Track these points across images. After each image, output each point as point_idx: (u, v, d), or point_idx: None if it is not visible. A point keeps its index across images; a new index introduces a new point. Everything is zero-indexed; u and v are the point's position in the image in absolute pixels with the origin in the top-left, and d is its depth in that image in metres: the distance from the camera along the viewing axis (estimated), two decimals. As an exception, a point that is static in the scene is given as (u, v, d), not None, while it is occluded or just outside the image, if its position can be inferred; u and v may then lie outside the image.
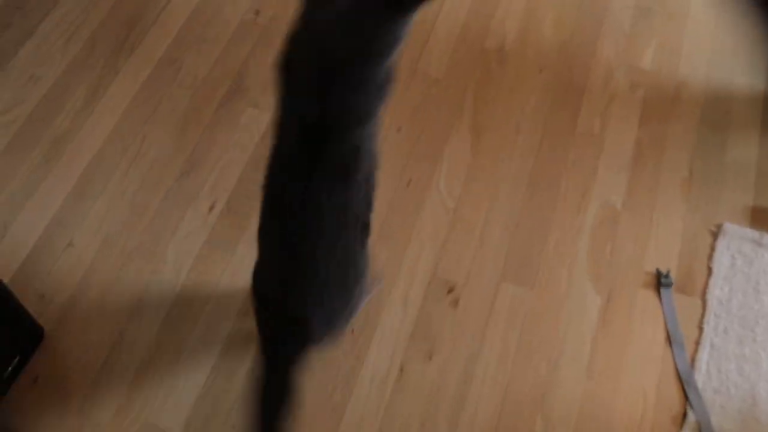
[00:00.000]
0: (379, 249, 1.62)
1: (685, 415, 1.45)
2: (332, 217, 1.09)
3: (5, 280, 1.54)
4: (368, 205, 1.18)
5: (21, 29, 1.96)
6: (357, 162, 1.09)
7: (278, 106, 1.08)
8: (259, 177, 1.70)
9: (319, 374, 1.49)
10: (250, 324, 1.54)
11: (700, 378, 1.49)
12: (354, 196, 1.11)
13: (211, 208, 1.68)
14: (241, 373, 1.50)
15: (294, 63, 1.07)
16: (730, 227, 1.65)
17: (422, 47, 1.94)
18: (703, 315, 1.56)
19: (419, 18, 1.98)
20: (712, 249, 1.64)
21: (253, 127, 1.80)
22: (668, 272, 1.60)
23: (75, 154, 1.76)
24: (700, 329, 1.55)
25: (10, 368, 1.43)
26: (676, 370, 1.50)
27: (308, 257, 1.09)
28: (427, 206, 1.69)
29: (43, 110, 1.83)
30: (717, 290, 1.59)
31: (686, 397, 1.47)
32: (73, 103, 1.84)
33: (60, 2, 2.02)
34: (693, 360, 1.51)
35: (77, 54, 1.92)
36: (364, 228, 1.18)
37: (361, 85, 1.04)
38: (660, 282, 1.59)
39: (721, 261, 1.62)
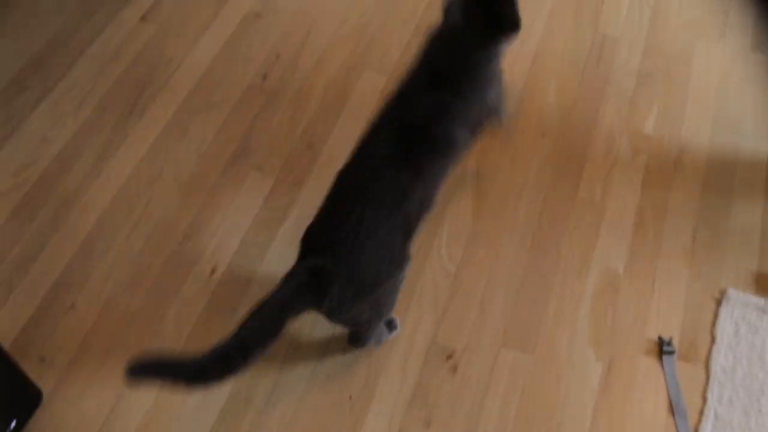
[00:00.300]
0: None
1: (687, 489, 1.42)
2: (391, 197, 1.31)
3: (7, 343, 1.55)
4: (422, 205, 1.37)
5: (36, 92, 2.01)
6: (430, 162, 1.36)
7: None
8: (260, 241, 1.73)
9: (315, 442, 1.48)
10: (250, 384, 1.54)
11: (703, 450, 1.46)
12: (416, 190, 1.34)
13: (212, 272, 1.70)
14: (237, 440, 1.49)
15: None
16: (734, 294, 1.64)
17: (425, 112, 1.96)
18: (706, 384, 1.54)
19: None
20: (716, 316, 1.62)
21: (256, 191, 1.82)
22: (671, 339, 1.58)
23: (82, 215, 1.78)
24: (704, 399, 1.52)
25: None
26: (679, 441, 1.48)
27: (359, 221, 1.27)
28: (427, 271, 1.69)
29: (53, 172, 1.86)
30: (721, 358, 1.57)
31: (689, 470, 1.44)
32: (82, 165, 1.87)
33: (75, 65, 2.07)
34: (696, 431, 1.49)
35: (88, 117, 1.97)
36: (408, 222, 1.34)
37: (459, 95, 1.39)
38: (662, 349, 1.57)
39: (725, 328, 1.60)
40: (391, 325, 1.57)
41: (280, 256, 1.71)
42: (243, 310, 1.61)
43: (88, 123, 1.95)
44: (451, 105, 1.38)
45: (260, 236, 1.75)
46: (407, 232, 1.35)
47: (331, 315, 1.34)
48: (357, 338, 1.54)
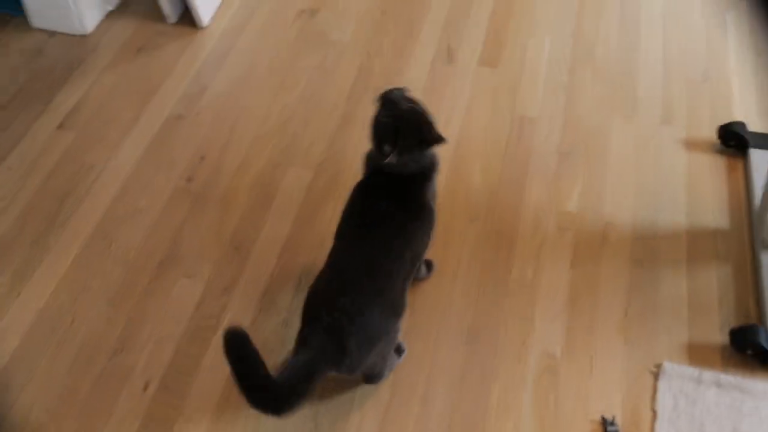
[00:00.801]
0: (319, 419, 1.58)
1: None
2: (395, 243, 1.49)
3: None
4: (412, 262, 1.53)
5: (-52, 211, 1.94)
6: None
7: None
8: (194, 351, 1.67)
9: None
10: None
11: None
12: (416, 235, 1.53)
13: (146, 387, 1.63)
14: None
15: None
16: (669, 366, 1.66)
17: (354, 205, 1.97)
18: (652, 462, 1.54)
19: (349, 178, 2.02)
20: (655, 390, 1.64)
21: (186, 298, 1.78)
22: (614, 419, 1.59)
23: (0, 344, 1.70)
24: (652, 477, 1.52)
25: None
26: None
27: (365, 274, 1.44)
28: (367, 368, 1.66)
29: (-32, 295, 1.78)
30: (664, 434, 1.57)
31: None
32: None
33: (-10, 180, 2.02)
34: None
35: (5, 233, 1.91)
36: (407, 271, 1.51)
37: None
38: (606, 430, 1.57)
39: (664, 402, 1.62)
40: (399, 350, 1.64)
41: (216, 366, 1.66)
42: (179, 427, 1.55)
43: (6, 239, 1.89)
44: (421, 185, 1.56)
45: (193, 346, 1.70)
46: (405, 280, 1.52)
47: (350, 371, 1.44)
48: (372, 377, 1.60)
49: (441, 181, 2.00)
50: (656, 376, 1.65)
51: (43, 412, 1.60)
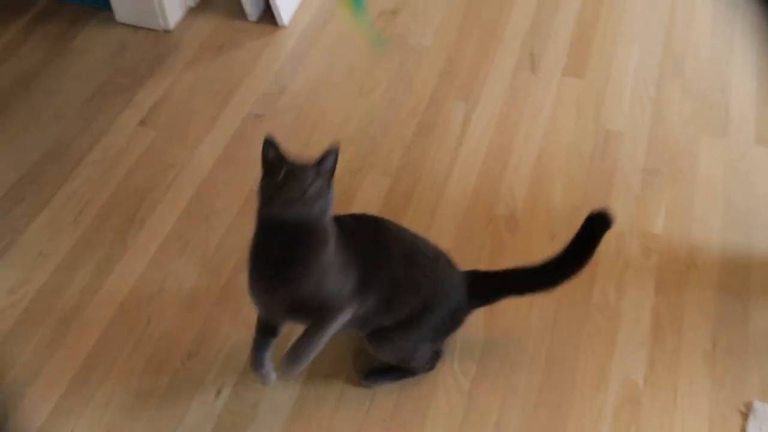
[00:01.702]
0: (392, 436, 1.56)
1: None
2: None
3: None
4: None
5: (33, 204, 1.97)
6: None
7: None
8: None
9: None
10: None
11: None
12: None
13: (218, 394, 1.63)
14: None
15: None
16: (760, 406, 1.58)
17: (431, 216, 1.93)
18: (737, 506, 1.47)
19: (427, 186, 1.99)
20: (743, 431, 1.56)
21: (261, 304, 1.77)
22: (697, 457, 1.52)
23: (80, 334, 1.72)
24: None
25: None
26: None
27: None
28: (440, 388, 1.63)
29: (50, 288, 1.81)
30: (750, 477, 1.50)
31: None
32: (80, 281, 1.82)
33: (73, 175, 2.04)
34: None
35: (87, 228, 1.92)
36: None
37: None
38: (690, 469, 1.51)
39: (753, 444, 1.54)
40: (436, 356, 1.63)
41: (287, 377, 1.65)
42: (250, 437, 1.55)
43: (87, 235, 1.91)
44: None
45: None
46: None
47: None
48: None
49: (521, 196, 1.95)
50: (745, 416, 1.58)
51: (117, 411, 1.61)
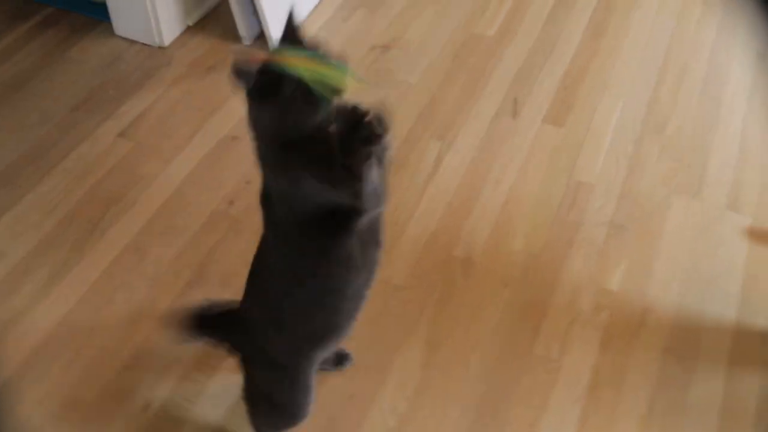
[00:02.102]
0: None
1: None
2: None
3: None
4: None
5: (2, 204, 2.01)
6: None
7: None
8: (200, 377, 1.67)
9: None
10: None
11: None
12: None
13: (146, 409, 1.64)
14: None
15: None
16: (686, 476, 1.54)
17: (389, 252, 1.93)
18: None
19: (390, 221, 1.99)
20: (666, 499, 1.52)
21: (204, 323, 1.78)
22: None
23: (22, 338, 1.75)
24: None
25: None
26: None
27: None
28: (367, 424, 1.62)
29: (1, 290, 1.84)
30: None
31: None
32: (33, 284, 1.85)
33: (45, 179, 2.09)
34: None
35: (49, 232, 1.96)
36: None
37: None
38: None
39: None
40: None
41: (219, 397, 1.65)
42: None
43: (47, 239, 1.94)
44: None
45: (200, 373, 1.70)
46: None
47: None
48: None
49: (482, 240, 1.95)
50: (670, 483, 1.54)
51: (47, 415, 1.62)
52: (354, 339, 1.71)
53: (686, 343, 1.77)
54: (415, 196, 2.07)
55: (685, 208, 2.05)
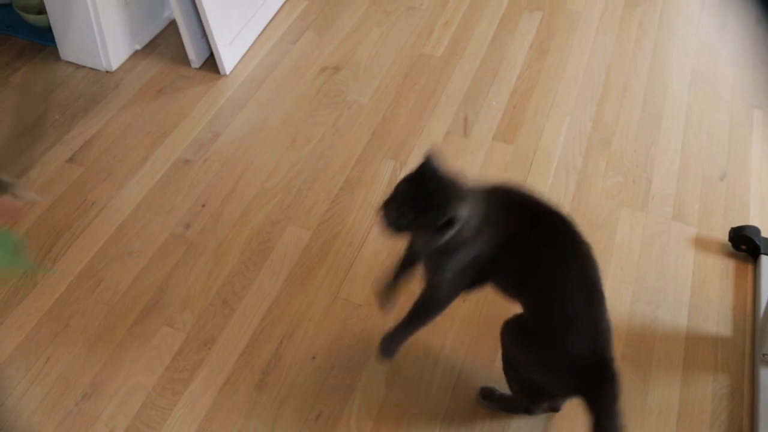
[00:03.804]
0: (278, 492, 1.53)
1: None
2: None
3: None
4: None
5: (-53, 233, 1.95)
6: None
7: None
8: (163, 404, 1.64)
9: None
10: None
11: None
12: None
13: (108, 437, 1.60)
14: None
15: None
16: (648, 480, 1.58)
17: (347, 271, 1.94)
18: None
19: (346, 242, 2.00)
20: (631, 503, 1.56)
21: (165, 348, 1.76)
22: None
23: (-26, 371, 1.69)
24: None
25: None
26: None
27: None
28: (334, 443, 1.62)
29: (-49, 320, 1.78)
30: None
31: None
32: (-17, 314, 1.79)
33: (-8, 206, 2.02)
34: None
35: (-1, 261, 1.90)
36: None
37: None
38: None
39: None
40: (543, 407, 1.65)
41: (182, 423, 1.63)
42: (132, 485, 1.52)
43: (-2, 268, 1.88)
44: None
45: (163, 398, 1.67)
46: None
47: None
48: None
49: (437, 257, 1.96)
50: (633, 487, 1.58)
51: (2, 450, 1.57)
52: (317, 357, 1.72)
53: (641, 350, 1.82)
54: (371, 214, 2.08)
55: (632, 220, 2.11)
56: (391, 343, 1.61)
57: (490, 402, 1.67)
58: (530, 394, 1.59)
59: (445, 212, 1.31)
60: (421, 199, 1.33)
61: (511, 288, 1.53)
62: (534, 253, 1.45)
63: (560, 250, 1.46)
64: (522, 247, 1.45)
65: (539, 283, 1.45)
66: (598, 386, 1.39)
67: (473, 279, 1.51)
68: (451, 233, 1.34)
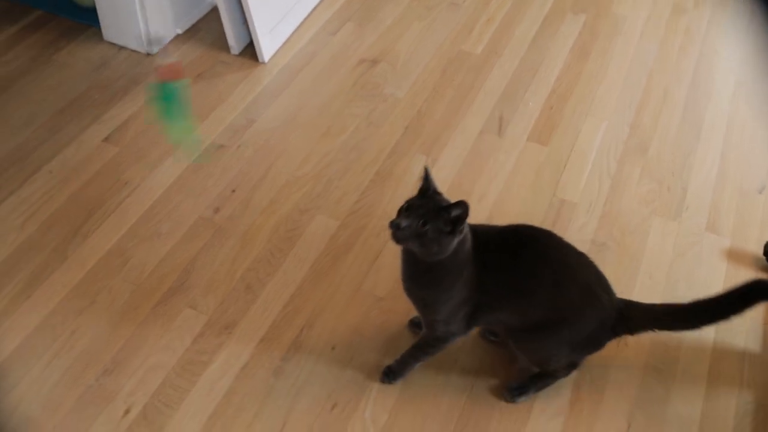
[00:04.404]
0: None
1: None
2: None
3: None
4: None
5: (-17, 205, 2.00)
6: None
7: None
8: (181, 384, 1.66)
9: None
10: None
11: None
12: None
13: (126, 413, 1.62)
14: None
15: None
16: (664, 492, 1.56)
17: (371, 264, 1.94)
18: None
19: (372, 234, 2.00)
20: None
21: (186, 329, 1.77)
22: None
23: (1, 339, 1.72)
24: None
25: None
26: None
27: None
28: (348, 433, 1.62)
29: (-18, 289, 1.82)
30: None
31: None
32: (13, 286, 1.83)
33: (29, 182, 2.07)
34: None
35: (31, 235, 1.94)
36: None
37: None
38: None
39: None
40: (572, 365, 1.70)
41: (199, 404, 1.64)
42: (148, 461, 1.53)
43: (29, 241, 1.93)
44: None
45: (182, 379, 1.69)
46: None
47: None
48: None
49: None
50: (648, 499, 1.55)
51: (24, 418, 1.60)
52: (337, 348, 1.73)
53: (666, 360, 1.79)
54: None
55: (664, 229, 2.08)
56: (391, 373, 1.68)
57: (527, 396, 1.69)
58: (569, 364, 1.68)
59: (456, 206, 1.36)
60: (430, 206, 1.39)
61: (511, 314, 1.57)
62: (522, 271, 1.51)
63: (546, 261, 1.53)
64: (509, 268, 1.51)
65: (538, 297, 1.52)
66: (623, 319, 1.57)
67: (471, 314, 1.56)
68: (464, 230, 1.41)
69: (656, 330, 1.61)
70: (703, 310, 1.57)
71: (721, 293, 1.55)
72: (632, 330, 1.62)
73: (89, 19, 2.55)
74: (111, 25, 2.49)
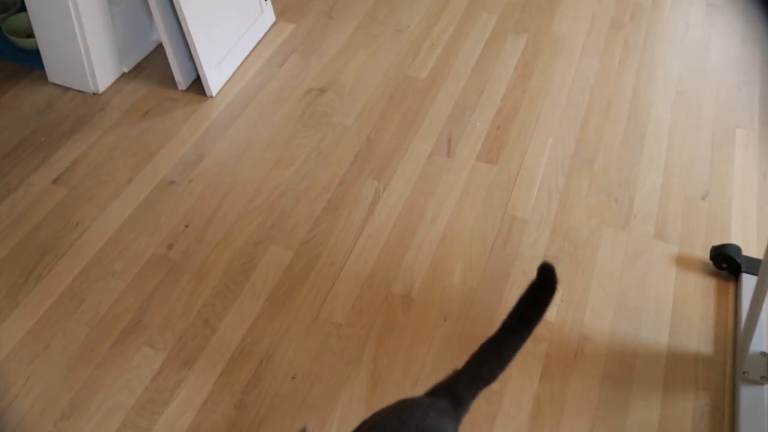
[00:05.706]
0: None
1: None
2: None
3: None
4: None
5: (-70, 254, 1.96)
6: None
7: None
8: (142, 424, 1.64)
9: None
10: None
11: None
12: None
13: (85, 458, 1.60)
14: None
15: None
16: (627, 499, 1.58)
17: (328, 291, 1.95)
18: None
19: (328, 261, 2.01)
20: None
21: (145, 368, 1.76)
22: None
23: (-47, 391, 1.69)
24: None
25: None
26: None
27: None
28: (313, 464, 1.62)
29: (-68, 341, 1.78)
30: None
31: None
32: (-36, 335, 1.79)
33: (-23, 228, 2.04)
34: None
35: (-19, 282, 1.91)
36: None
37: None
38: None
39: None
40: None
41: (160, 443, 1.63)
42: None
43: (-20, 289, 1.89)
44: None
45: (142, 419, 1.67)
46: None
47: None
48: None
49: (420, 276, 1.98)
50: (612, 507, 1.57)
51: (-21, 471, 1.57)
52: (297, 377, 1.73)
53: (623, 369, 1.83)
54: (353, 234, 2.09)
55: (614, 239, 2.12)
56: None
57: None
58: None
59: None
60: None
61: None
62: None
63: None
64: None
65: None
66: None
67: None
68: None
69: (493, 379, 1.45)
70: (513, 322, 1.44)
71: (520, 299, 1.44)
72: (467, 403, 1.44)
73: (33, 62, 2.53)
74: (55, 67, 2.48)
